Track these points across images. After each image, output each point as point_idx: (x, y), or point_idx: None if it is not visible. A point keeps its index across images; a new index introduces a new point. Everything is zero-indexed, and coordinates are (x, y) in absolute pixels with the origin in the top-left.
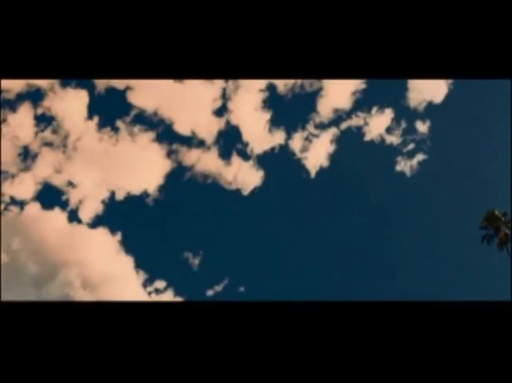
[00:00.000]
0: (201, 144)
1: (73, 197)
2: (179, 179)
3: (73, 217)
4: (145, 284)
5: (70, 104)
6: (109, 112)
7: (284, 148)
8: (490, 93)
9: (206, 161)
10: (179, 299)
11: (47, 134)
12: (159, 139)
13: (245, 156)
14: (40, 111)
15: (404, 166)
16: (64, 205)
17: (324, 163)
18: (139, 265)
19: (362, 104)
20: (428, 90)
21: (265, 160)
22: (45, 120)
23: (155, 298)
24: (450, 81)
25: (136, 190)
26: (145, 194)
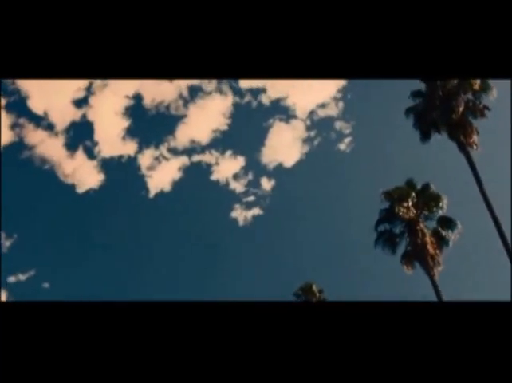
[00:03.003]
0: (50, 127)
1: None
2: (15, 154)
3: None
4: None
5: None
6: None
7: (131, 160)
8: (333, 169)
9: (49, 146)
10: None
11: None
12: (8, 108)
13: (90, 155)
14: None
15: (239, 215)
16: None
17: (166, 187)
18: None
19: (219, 143)
20: (282, 152)
21: (110, 166)
22: None
23: None
24: (304, 150)
25: None
26: None
